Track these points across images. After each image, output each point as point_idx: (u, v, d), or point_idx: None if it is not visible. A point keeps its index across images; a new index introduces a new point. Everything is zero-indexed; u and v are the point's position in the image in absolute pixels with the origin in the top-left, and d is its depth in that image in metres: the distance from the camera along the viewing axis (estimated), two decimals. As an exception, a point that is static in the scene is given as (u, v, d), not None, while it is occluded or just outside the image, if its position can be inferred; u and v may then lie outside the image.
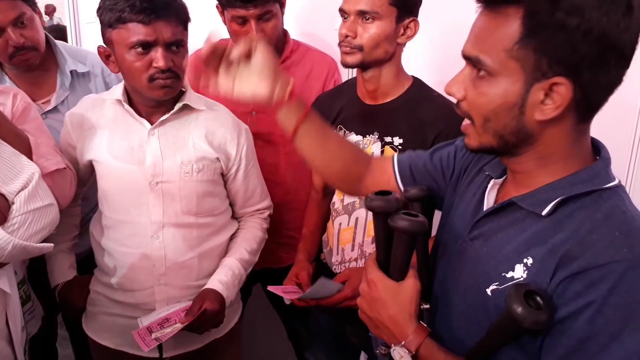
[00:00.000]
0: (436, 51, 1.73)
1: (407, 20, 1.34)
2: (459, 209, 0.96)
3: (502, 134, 0.79)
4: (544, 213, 0.78)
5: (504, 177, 0.90)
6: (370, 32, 1.32)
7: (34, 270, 1.52)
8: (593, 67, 0.72)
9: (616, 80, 0.75)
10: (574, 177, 0.78)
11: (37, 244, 1.16)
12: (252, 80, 0.95)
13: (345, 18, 1.35)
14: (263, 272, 1.74)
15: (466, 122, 0.83)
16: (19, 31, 1.56)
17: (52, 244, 1.20)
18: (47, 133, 1.41)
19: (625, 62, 0.74)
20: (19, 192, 1.14)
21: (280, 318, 1.95)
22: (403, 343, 0.84)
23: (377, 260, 0.90)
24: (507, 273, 0.80)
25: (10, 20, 1.54)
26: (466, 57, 0.80)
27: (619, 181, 0.80)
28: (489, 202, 0.89)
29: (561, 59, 0.72)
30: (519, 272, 0.78)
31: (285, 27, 1.73)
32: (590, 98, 0.75)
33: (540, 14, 0.71)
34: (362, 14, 1.31)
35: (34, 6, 1.62)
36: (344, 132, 1.45)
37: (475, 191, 0.93)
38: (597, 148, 0.83)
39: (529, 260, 0.78)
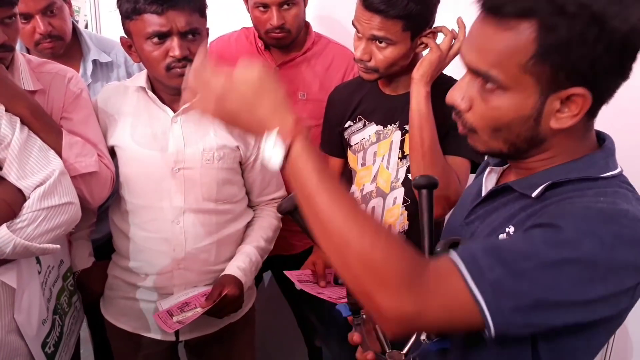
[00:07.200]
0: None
1: (423, 33, 1.31)
2: (462, 198, 1.00)
3: (514, 142, 0.76)
4: (533, 195, 0.77)
5: (504, 165, 0.91)
6: (384, 54, 1.30)
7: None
8: (611, 74, 0.70)
9: (627, 76, 0.72)
10: (571, 165, 0.77)
11: (41, 245, 1.12)
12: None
13: (359, 34, 1.32)
14: (275, 259, 1.75)
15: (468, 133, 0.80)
16: (47, 19, 1.57)
17: (58, 245, 1.17)
18: (93, 126, 1.39)
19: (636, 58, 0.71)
20: (36, 187, 1.12)
21: (290, 305, 1.97)
22: (278, 129, 0.72)
23: None
24: None
25: (41, 8, 1.56)
26: (472, 69, 0.75)
27: (621, 170, 0.78)
28: (487, 188, 0.90)
29: (580, 71, 0.68)
30: None
31: (307, 19, 1.74)
32: (603, 99, 0.73)
33: (557, 30, 0.66)
34: (375, 38, 1.28)
35: None
36: (364, 122, 1.46)
37: (477, 180, 0.95)
38: (602, 139, 0.81)
39: (511, 229, 0.77)
